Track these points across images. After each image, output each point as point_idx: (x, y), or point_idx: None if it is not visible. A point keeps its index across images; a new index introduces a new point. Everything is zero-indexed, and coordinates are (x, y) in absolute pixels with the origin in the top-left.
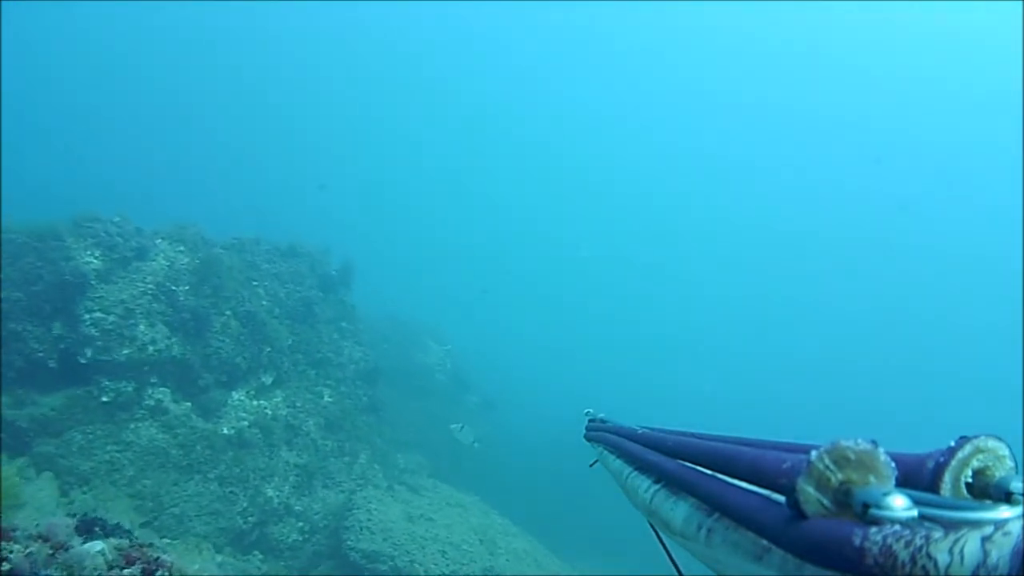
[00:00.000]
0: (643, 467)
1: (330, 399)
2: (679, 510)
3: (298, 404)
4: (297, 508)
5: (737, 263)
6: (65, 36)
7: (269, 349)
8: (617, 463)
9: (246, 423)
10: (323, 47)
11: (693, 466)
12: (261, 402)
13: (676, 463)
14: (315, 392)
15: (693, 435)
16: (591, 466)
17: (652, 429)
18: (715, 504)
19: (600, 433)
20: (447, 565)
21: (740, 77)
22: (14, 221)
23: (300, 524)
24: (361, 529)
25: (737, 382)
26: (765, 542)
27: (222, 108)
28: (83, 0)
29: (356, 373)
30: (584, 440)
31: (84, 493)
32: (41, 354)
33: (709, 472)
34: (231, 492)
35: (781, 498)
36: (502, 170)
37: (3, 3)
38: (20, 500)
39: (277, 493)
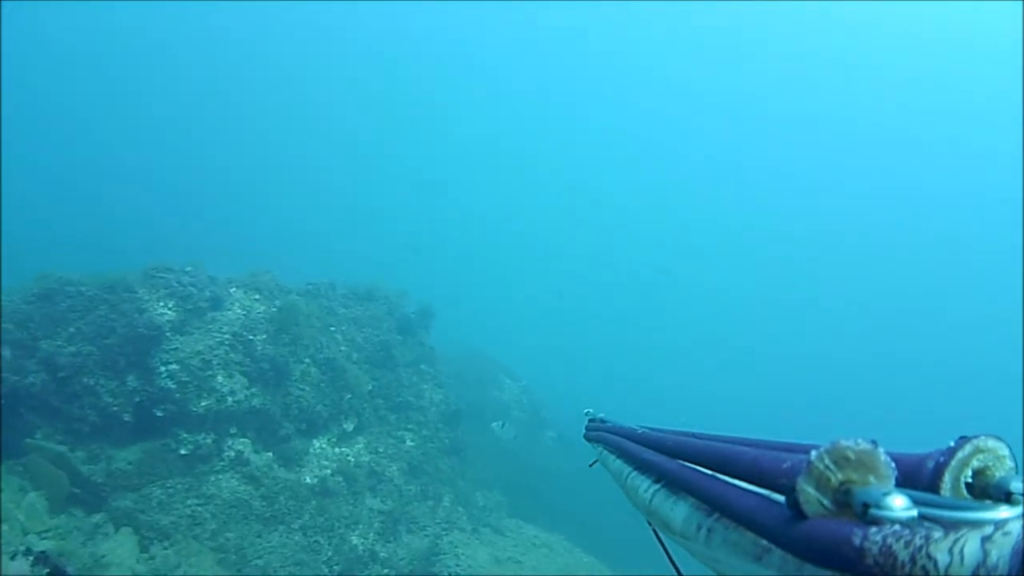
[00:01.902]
0: (643, 467)
1: (412, 443)
2: (679, 510)
3: (380, 450)
4: (382, 555)
5: (739, 262)
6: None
7: (349, 395)
8: (617, 463)
9: (329, 471)
10: (378, 84)
11: (693, 466)
12: (343, 449)
13: (676, 463)
14: (397, 437)
15: (693, 435)
16: (591, 466)
17: (652, 429)
18: (715, 504)
19: (600, 433)
20: None
21: (742, 78)
22: (84, 273)
23: (386, 571)
24: (450, 575)
25: (737, 382)
26: (765, 542)
27: (257, 138)
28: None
29: (437, 416)
30: (584, 440)
31: (165, 548)
32: (116, 408)
33: (709, 472)
34: (315, 541)
35: (781, 498)
36: (549, 203)
37: (3, 3)
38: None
39: (362, 540)
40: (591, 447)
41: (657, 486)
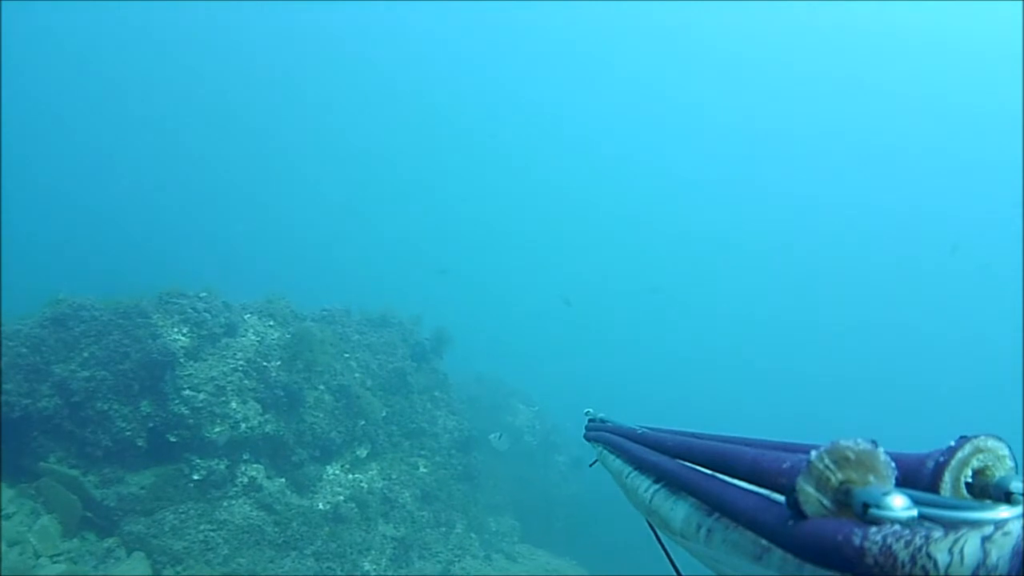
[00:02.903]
0: (643, 467)
1: (425, 470)
2: (679, 510)
3: (393, 476)
4: None
5: (739, 271)
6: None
7: (363, 422)
8: (617, 463)
9: (342, 497)
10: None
11: (693, 466)
12: (356, 475)
13: (676, 463)
14: (410, 463)
15: (693, 435)
16: (591, 466)
17: (652, 429)
18: (715, 504)
19: (600, 433)
20: None
21: (740, 90)
22: (97, 298)
23: None
24: None
25: (736, 382)
26: (765, 542)
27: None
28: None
29: (450, 442)
30: (584, 440)
31: (178, 573)
32: (129, 433)
33: (709, 472)
34: (328, 568)
35: (781, 498)
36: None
37: (3, 3)
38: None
39: (374, 567)
40: (593, 449)
41: (657, 486)
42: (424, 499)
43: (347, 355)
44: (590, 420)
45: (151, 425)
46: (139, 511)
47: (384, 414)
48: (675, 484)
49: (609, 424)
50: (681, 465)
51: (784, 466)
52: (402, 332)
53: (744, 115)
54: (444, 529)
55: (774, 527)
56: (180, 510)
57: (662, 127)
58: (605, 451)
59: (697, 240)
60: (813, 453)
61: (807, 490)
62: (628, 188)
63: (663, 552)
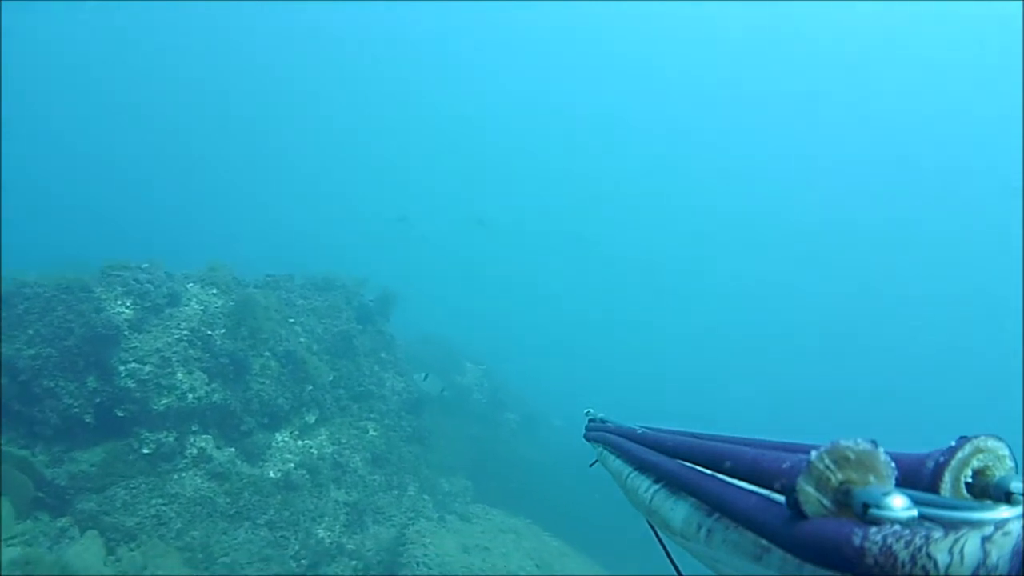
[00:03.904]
0: (643, 467)
1: (375, 433)
2: (679, 510)
3: (343, 441)
4: (350, 547)
5: (737, 263)
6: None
7: (311, 387)
8: (617, 463)
9: (292, 465)
10: (336, 65)
11: (693, 466)
12: (306, 442)
13: (676, 463)
14: (359, 427)
15: (693, 435)
16: (591, 466)
17: (652, 429)
18: (715, 504)
19: (600, 433)
20: None
21: (746, 75)
22: (40, 274)
23: (354, 563)
24: (418, 565)
25: (736, 382)
26: (765, 542)
27: (218, 128)
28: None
29: (399, 404)
30: (584, 440)
31: (131, 550)
32: (77, 410)
33: (709, 472)
34: (282, 536)
35: (781, 498)
36: (519, 180)
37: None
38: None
39: (328, 533)
40: (588, 444)
41: (657, 486)
42: (375, 463)
43: (292, 320)
44: (590, 420)
45: (98, 400)
46: (90, 488)
47: (331, 378)
48: (675, 484)
49: (609, 424)
50: (681, 465)
51: (784, 466)
52: (346, 295)
53: (744, 114)
54: (397, 492)
55: (774, 527)
56: (131, 486)
57: (666, 108)
58: (605, 451)
59: (699, 223)
60: (813, 453)
61: (807, 490)
62: (617, 161)
63: (664, 552)
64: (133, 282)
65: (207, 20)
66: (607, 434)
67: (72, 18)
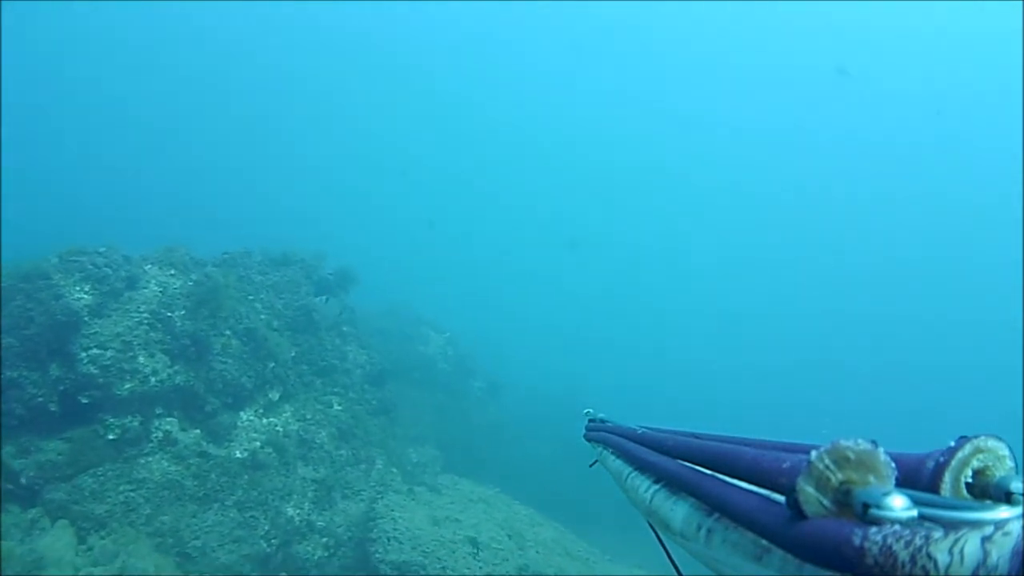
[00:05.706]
0: (643, 467)
1: (340, 407)
2: (679, 510)
3: (308, 417)
4: (320, 524)
5: (736, 263)
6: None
7: (273, 364)
8: (617, 463)
9: (258, 443)
10: (308, 47)
11: (693, 466)
12: (271, 419)
13: (676, 463)
14: (324, 402)
15: (693, 435)
16: (591, 466)
17: (652, 429)
18: (715, 504)
19: (600, 433)
20: (480, 567)
21: (741, 93)
22: None
23: (324, 540)
24: (388, 540)
25: (735, 382)
26: (765, 542)
27: (193, 115)
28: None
29: (363, 377)
30: (584, 440)
31: (102, 538)
32: (41, 399)
33: (709, 472)
34: (251, 517)
35: (781, 498)
36: (496, 161)
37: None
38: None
39: (297, 511)
40: (586, 443)
41: (657, 486)
42: (341, 437)
43: (251, 297)
44: (590, 420)
45: (62, 388)
46: (59, 478)
47: (293, 354)
48: (675, 484)
49: (609, 424)
50: (681, 465)
51: (784, 466)
52: (305, 269)
53: (744, 115)
54: (364, 466)
55: (774, 527)
56: (98, 473)
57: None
58: (605, 451)
59: (698, 224)
60: (813, 453)
61: (807, 490)
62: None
63: (664, 552)
64: (91, 267)
65: (213, 19)
66: (607, 434)
67: (81, 17)
